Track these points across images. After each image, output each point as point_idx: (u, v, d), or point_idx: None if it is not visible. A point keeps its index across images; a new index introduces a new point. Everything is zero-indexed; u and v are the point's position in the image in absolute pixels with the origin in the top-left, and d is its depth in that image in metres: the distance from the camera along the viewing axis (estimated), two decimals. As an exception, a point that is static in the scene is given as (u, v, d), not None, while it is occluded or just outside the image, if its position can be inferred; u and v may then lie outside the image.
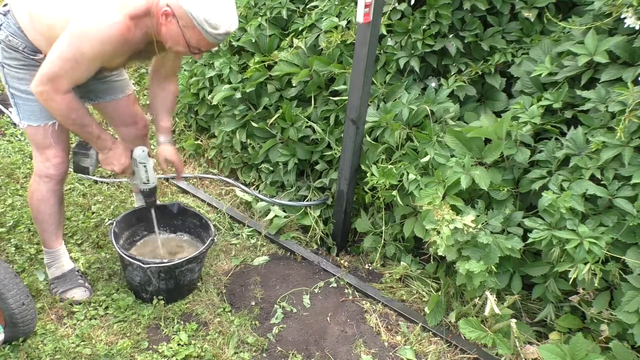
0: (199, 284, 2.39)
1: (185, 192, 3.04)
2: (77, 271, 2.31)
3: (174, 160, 2.23)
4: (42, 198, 2.12)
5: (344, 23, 2.54)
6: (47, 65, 1.75)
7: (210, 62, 3.06)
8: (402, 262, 2.49)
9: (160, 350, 2.06)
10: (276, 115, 2.75)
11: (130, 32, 1.74)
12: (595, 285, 1.82)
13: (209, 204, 2.94)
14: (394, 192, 2.30)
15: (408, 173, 2.23)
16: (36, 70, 1.81)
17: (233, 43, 2.98)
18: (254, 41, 2.87)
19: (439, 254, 2.05)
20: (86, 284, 2.28)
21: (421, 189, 2.17)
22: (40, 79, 1.77)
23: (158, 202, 2.31)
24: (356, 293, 2.45)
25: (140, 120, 2.32)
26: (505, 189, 2.10)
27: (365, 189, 2.45)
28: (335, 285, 2.48)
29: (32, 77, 1.84)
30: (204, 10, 1.68)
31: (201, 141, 3.31)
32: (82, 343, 2.06)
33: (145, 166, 2.08)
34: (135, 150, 2.08)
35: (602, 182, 1.90)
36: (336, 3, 2.64)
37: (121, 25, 1.70)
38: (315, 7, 2.75)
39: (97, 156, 2.10)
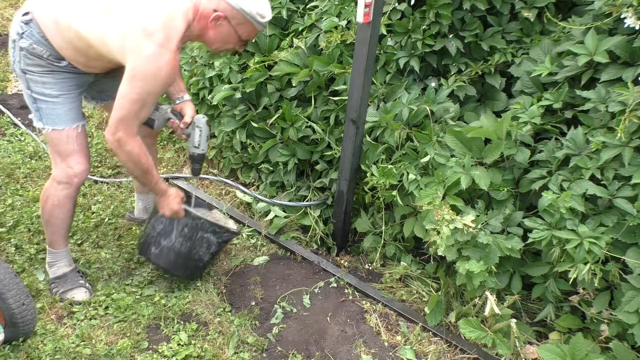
0: (198, 283, 2.39)
1: (185, 192, 3.03)
2: (78, 271, 2.31)
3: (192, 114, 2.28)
4: (59, 204, 2.12)
5: (344, 23, 2.54)
6: (117, 111, 1.85)
7: (210, 62, 3.06)
8: (402, 262, 2.49)
9: (160, 350, 2.06)
10: (276, 115, 2.75)
11: (178, 59, 1.87)
12: (595, 285, 1.82)
13: (208, 204, 2.94)
14: (394, 192, 2.30)
15: (408, 173, 2.23)
16: (60, 75, 1.93)
17: (233, 43, 2.98)
18: (254, 41, 2.87)
19: (439, 254, 2.04)
20: (87, 285, 2.28)
21: (421, 189, 2.17)
22: (114, 126, 1.87)
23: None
24: (356, 293, 2.45)
25: None
26: (505, 189, 2.10)
27: (365, 189, 2.45)
28: (335, 285, 2.48)
29: (57, 80, 1.94)
30: (253, 5, 1.87)
31: (201, 141, 3.31)
32: (82, 343, 2.06)
33: (200, 130, 2.19)
34: (198, 115, 2.21)
35: (602, 182, 1.90)
36: (336, 3, 2.64)
37: (174, 62, 1.81)
38: (315, 7, 2.75)
39: (165, 116, 2.19)
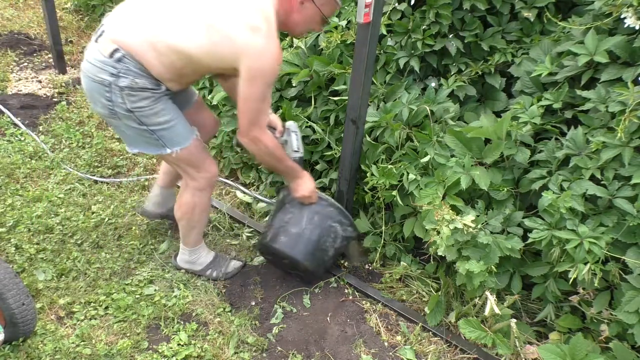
0: (198, 283, 2.38)
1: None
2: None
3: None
4: (205, 208, 2.26)
5: (344, 23, 2.54)
6: (245, 114, 1.93)
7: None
8: (402, 262, 2.49)
9: (160, 350, 2.06)
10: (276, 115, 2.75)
11: None
12: (595, 285, 1.83)
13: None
14: (394, 192, 2.30)
15: (408, 173, 2.23)
16: (164, 99, 1.96)
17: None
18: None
19: (439, 254, 2.04)
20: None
21: (421, 189, 2.17)
22: (247, 129, 1.96)
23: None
24: (356, 293, 2.45)
25: (208, 121, 2.42)
26: (505, 189, 2.10)
27: (365, 189, 2.45)
28: (335, 285, 2.48)
29: (165, 104, 1.96)
30: None
31: (201, 141, 3.31)
32: (82, 343, 2.06)
33: (297, 135, 2.30)
34: (289, 122, 2.36)
35: (602, 182, 1.90)
36: (336, 3, 2.64)
37: (280, 49, 1.88)
38: (315, 7, 2.74)
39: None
